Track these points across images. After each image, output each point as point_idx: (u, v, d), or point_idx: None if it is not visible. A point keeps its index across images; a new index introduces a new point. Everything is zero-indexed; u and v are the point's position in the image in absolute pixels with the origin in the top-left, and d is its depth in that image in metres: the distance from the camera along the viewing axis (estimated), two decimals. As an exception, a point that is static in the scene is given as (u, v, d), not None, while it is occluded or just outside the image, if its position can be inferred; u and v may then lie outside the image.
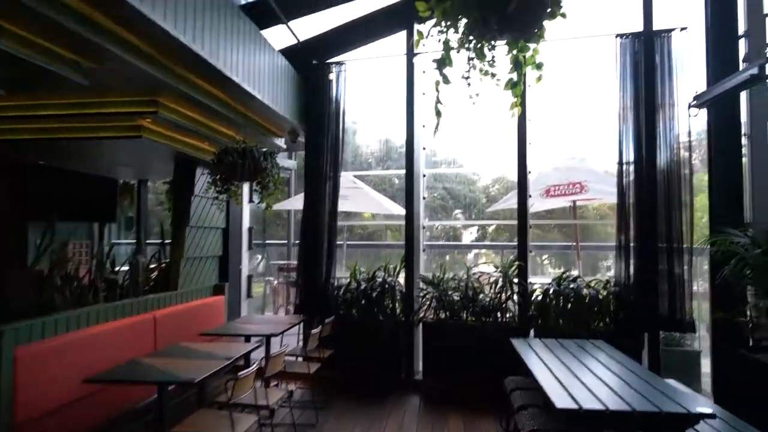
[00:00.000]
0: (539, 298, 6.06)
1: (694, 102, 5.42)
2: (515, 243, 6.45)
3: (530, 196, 6.76)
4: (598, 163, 7.93)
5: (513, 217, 6.54)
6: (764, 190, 5.22)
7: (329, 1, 6.38)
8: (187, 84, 4.55)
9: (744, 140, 5.30)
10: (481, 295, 6.35)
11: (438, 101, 3.26)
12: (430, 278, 6.59)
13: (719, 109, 5.33)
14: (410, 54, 6.73)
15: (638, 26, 5.95)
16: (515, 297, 6.19)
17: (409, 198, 6.76)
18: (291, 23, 6.43)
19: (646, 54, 5.78)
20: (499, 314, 6.21)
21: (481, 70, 3.88)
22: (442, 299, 6.38)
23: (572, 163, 7.80)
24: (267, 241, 10.37)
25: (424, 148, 7.15)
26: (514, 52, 3.42)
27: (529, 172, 6.45)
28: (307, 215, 6.94)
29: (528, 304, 6.08)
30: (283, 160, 9.72)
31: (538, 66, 3.43)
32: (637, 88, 5.81)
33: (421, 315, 6.44)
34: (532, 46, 3.35)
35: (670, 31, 5.75)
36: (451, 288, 6.45)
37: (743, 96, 5.32)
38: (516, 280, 6.21)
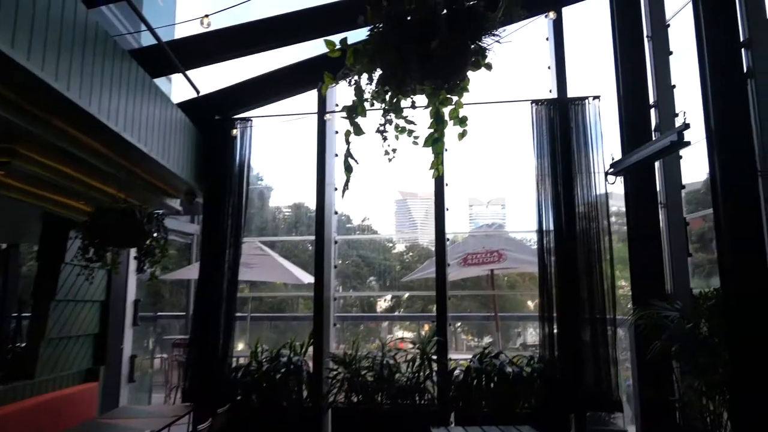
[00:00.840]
0: (460, 377, 5.54)
1: (611, 170, 5.33)
2: (433, 313, 5.98)
3: (449, 265, 6.38)
4: (516, 230, 7.77)
5: (428, 286, 6.11)
6: (682, 261, 5.12)
7: (233, 52, 5.90)
8: (50, 130, 3.80)
9: (660, 211, 5.23)
10: (398, 375, 5.74)
11: (349, 154, 2.77)
12: (341, 356, 5.91)
13: (635, 177, 5.26)
14: (321, 112, 6.31)
15: (554, 94, 5.92)
16: (434, 377, 5.63)
17: (318, 266, 6.14)
18: (193, 75, 5.86)
19: (561, 121, 5.71)
20: (417, 396, 5.60)
21: (397, 127, 3.49)
22: (355, 380, 5.69)
23: (490, 229, 7.56)
24: (159, 313, 9.28)
25: (336, 212, 6.63)
26: (436, 104, 3.03)
27: (448, 239, 6.09)
28: (203, 286, 6.13)
29: (448, 384, 5.53)
30: (184, 224, 8.86)
31: (462, 121, 3.05)
32: (553, 154, 5.68)
33: (331, 399, 5.69)
34: (454, 98, 2.99)
35: (583, 99, 5.73)
36: (364, 367, 5.79)
37: (657, 166, 5.30)
38: (435, 357, 5.68)
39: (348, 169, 2.78)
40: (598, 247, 5.39)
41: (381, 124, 3.55)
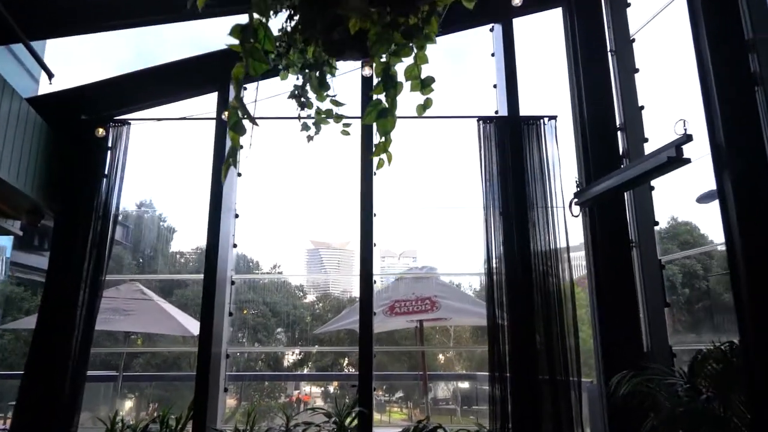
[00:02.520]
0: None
1: (575, 200, 4.43)
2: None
3: (375, 314, 5.19)
4: (452, 273, 6.69)
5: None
6: (658, 312, 4.23)
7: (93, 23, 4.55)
8: None
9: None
10: (307, 461, 4.37)
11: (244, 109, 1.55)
12: (231, 435, 4.46)
13: (604, 210, 4.38)
14: (220, 111, 5.02)
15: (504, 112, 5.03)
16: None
17: (207, 312, 4.70)
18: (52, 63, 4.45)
19: (512, 142, 4.80)
20: (331, 490, 4.26)
21: (318, 113, 2.39)
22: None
23: (421, 272, 6.43)
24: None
25: (235, 245, 5.27)
26: (385, 55, 1.90)
27: (374, 282, 4.90)
28: (41, 338, 4.50)
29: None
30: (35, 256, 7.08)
31: (425, 84, 1.91)
32: (504, 180, 4.72)
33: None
34: (413, 48, 1.89)
35: (538, 118, 4.88)
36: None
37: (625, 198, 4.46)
38: (354, 435, 4.37)
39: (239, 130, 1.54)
40: (558, 292, 4.43)
41: (297, 87, 2.44)
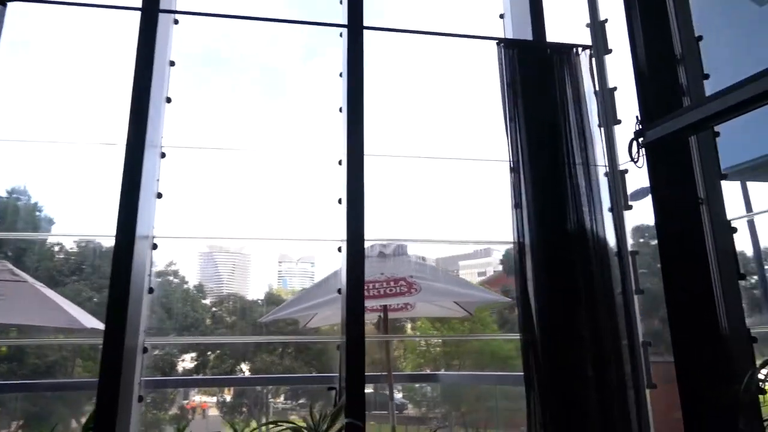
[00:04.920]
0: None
1: (638, 141, 3.43)
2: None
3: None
4: (432, 249, 5.51)
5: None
6: (732, 286, 3.33)
7: None
8: None
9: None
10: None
11: None
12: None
13: (666, 158, 3.44)
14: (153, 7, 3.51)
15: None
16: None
17: (119, 282, 3.19)
18: None
19: (540, 72, 3.76)
20: None
21: None
22: None
23: (389, 247, 5.17)
24: None
25: (159, 195, 3.76)
26: None
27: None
28: None
29: None
30: None
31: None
32: (532, 114, 3.66)
33: None
34: None
35: (570, 47, 3.88)
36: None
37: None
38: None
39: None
40: (607, 268, 3.43)
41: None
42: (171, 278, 19.10)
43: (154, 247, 3.69)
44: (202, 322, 19.35)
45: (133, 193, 3.29)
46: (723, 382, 3.04)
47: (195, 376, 15.88)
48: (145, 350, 3.50)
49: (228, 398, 17.78)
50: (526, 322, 3.30)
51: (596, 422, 3.18)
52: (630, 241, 3.55)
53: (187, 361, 18.14)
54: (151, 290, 3.60)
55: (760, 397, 2.86)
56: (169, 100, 3.80)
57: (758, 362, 3.11)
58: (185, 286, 21.32)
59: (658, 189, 3.42)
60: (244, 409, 17.32)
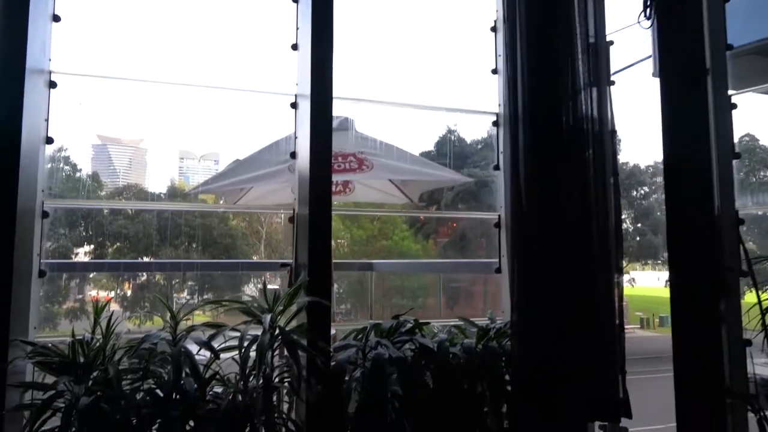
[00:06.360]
0: (358, 382, 2.61)
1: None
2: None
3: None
4: (380, 125, 4.93)
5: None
6: (726, 166, 3.10)
7: None
8: None
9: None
10: (215, 385, 2.50)
11: None
12: (59, 352, 2.35)
13: (674, 20, 3.03)
14: None
15: None
16: (299, 384, 2.55)
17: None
18: None
19: None
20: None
21: None
22: (104, 410, 2.24)
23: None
24: None
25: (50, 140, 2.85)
26: None
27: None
28: None
29: (334, 396, 2.55)
30: None
31: None
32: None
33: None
34: None
35: None
36: (130, 372, 2.38)
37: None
38: (301, 341, 2.58)
39: None
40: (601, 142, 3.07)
41: None
42: (61, 165, 17.19)
43: (53, 85, 2.84)
44: (99, 213, 17.82)
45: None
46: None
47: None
48: (45, 214, 2.75)
49: (129, 293, 16.84)
50: (515, 195, 2.90)
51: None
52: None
53: (81, 256, 16.81)
54: (50, 140, 2.79)
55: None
56: None
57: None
58: (77, 174, 19.44)
59: (665, 51, 3.04)
60: (146, 305, 16.52)
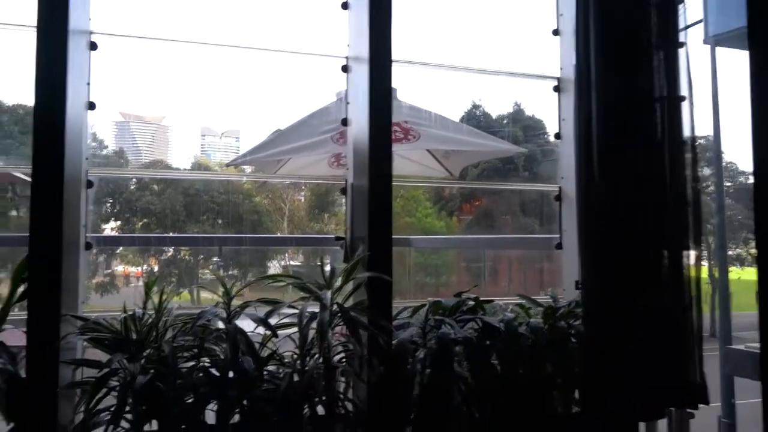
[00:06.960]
0: (420, 364, 2.45)
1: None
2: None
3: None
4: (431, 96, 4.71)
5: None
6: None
7: None
8: None
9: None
10: (273, 363, 2.37)
11: None
12: (111, 327, 2.23)
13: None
14: None
15: None
16: (359, 363, 2.40)
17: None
18: None
19: None
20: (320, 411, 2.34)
21: None
22: (160, 387, 2.13)
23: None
24: None
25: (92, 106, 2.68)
26: None
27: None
28: None
29: (395, 377, 2.40)
30: None
31: None
32: None
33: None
34: None
35: None
36: (184, 349, 2.25)
37: None
38: (362, 318, 2.43)
39: None
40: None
41: None
42: (90, 141, 17.27)
43: (93, 46, 2.68)
44: (126, 189, 17.89)
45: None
46: None
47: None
48: (90, 184, 2.61)
49: (156, 268, 16.95)
50: (586, 164, 2.68)
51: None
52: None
53: (108, 231, 16.92)
54: (92, 106, 2.64)
55: None
56: None
57: None
58: (104, 152, 19.54)
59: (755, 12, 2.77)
60: (173, 280, 16.61)
